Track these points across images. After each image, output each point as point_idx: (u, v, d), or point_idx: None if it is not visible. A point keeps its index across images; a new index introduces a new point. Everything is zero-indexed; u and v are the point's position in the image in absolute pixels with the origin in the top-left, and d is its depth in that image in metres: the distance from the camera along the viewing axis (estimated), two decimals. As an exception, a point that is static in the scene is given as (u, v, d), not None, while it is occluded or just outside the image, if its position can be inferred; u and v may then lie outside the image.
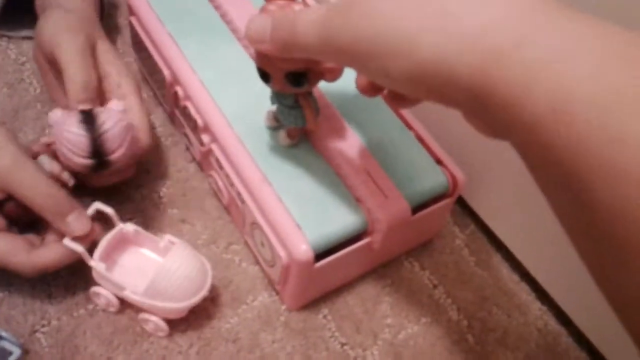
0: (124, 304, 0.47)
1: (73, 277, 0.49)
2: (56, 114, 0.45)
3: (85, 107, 0.46)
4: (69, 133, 0.44)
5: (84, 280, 0.48)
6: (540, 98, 0.23)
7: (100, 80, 0.49)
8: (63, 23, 0.49)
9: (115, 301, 0.46)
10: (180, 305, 0.44)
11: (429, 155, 0.49)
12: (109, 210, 0.46)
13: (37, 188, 0.43)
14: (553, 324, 0.52)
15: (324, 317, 0.49)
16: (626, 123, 0.21)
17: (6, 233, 0.44)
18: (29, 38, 0.63)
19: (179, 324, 0.47)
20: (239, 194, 0.47)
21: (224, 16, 0.55)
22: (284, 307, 0.49)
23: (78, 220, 0.44)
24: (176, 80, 0.52)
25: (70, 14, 0.51)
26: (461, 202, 0.57)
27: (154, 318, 0.45)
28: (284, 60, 0.37)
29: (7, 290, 0.47)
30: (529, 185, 0.48)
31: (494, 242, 0.55)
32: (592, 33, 0.23)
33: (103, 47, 0.50)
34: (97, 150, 0.44)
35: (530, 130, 0.23)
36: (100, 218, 0.47)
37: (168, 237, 0.47)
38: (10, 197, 0.44)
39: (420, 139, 0.50)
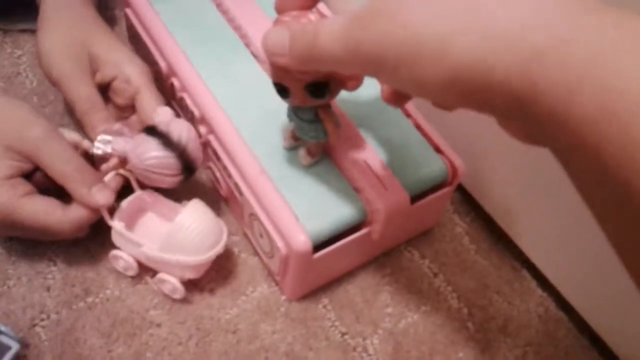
0: (142, 268, 0.48)
1: (71, 270, 0.48)
2: (120, 144, 0.46)
3: (109, 123, 0.49)
4: (154, 159, 0.44)
5: (81, 272, 0.48)
6: (589, 100, 0.21)
7: (108, 83, 0.50)
8: (57, 46, 0.50)
9: (133, 263, 0.47)
10: (196, 258, 0.45)
11: (428, 143, 0.48)
12: (129, 175, 0.48)
13: (66, 160, 0.44)
14: (554, 310, 0.51)
15: (324, 307, 0.49)
16: None
17: (39, 195, 0.45)
18: (25, 31, 0.62)
19: (178, 314, 0.47)
20: (237, 185, 0.47)
21: (219, 6, 0.55)
22: (283, 297, 0.49)
23: (102, 192, 0.45)
24: (172, 72, 0.52)
25: (58, 23, 0.51)
26: (461, 190, 0.57)
27: (171, 279, 0.46)
28: (303, 72, 0.36)
29: (6, 285, 0.47)
30: (529, 172, 0.48)
31: (494, 230, 0.55)
32: (637, 26, 0.22)
33: (99, 44, 0.51)
34: (187, 165, 0.45)
35: (576, 135, 0.22)
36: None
37: (185, 202, 0.47)
38: (38, 168, 0.45)
39: (419, 128, 0.49)
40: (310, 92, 0.37)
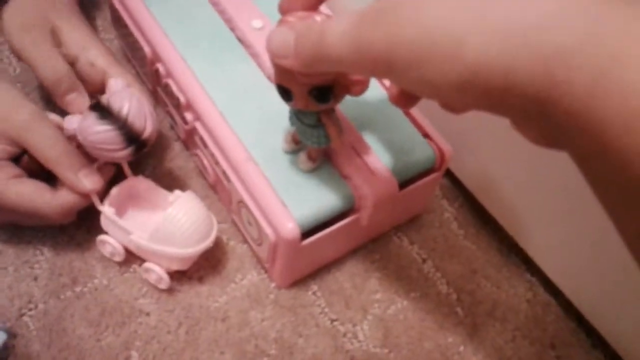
0: (129, 255, 0.48)
1: (58, 259, 0.48)
2: (71, 122, 0.45)
3: (73, 97, 0.48)
4: (96, 134, 0.43)
5: (68, 261, 0.48)
6: (612, 102, 0.20)
7: (72, 64, 0.49)
8: (17, 20, 0.49)
9: (120, 249, 0.47)
10: (185, 251, 0.44)
11: (416, 129, 0.48)
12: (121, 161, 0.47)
13: (53, 144, 0.44)
14: (542, 294, 0.52)
15: (314, 293, 0.49)
16: None
17: (27, 178, 0.45)
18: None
19: (167, 302, 0.47)
20: (224, 172, 0.47)
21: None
22: (273, 285, 0.49)
23: (89, 177, 0.45)
24: (157, 57, 0.51)
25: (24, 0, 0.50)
26: (450, 176, 0.57)
27: (157, 268, 0.46)
28: (308, 75, 0.35)
29: (-8, 274, 0.47)
30: (517, 157, 0.47)
31: (482, 215, 0.55)
32: None
33: (65, 24, 0.50)
34: (131, 136, 0.43)
35: (599, 139, 0.21)
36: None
37: (177, 192, 0.47)
38: (25, 152, 0.45)
39: (406, 113, 0.49)
40: (314, 96, 0.36)
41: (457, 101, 0.26)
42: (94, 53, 0.49)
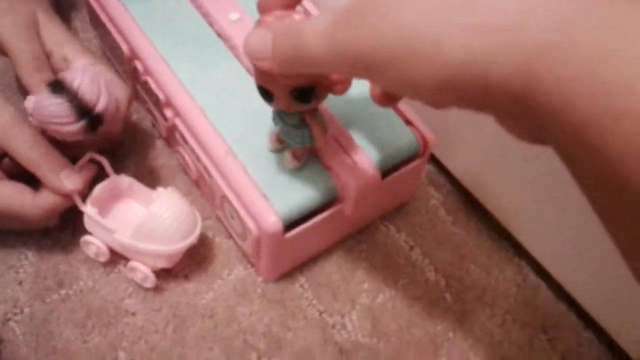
0: (114, 256, 0.47)
1: (43, 262, 0.48)
2: (30, 101, 0.44)
3: (38, 77, 0.46)
4: (47, 108, 0.42)
5: (53, 264, 0.48)
6: (592, 98, 0.20)
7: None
8: (4, 5, 0.48)
9: (105, 249, 0.47)
10: (169, 248, 0.44)
11: (398, 116, 0.48)
12: (103, 160, 0.47)
13: (33, 145, 0.43)
14: (532, 278, 0.51)
15: (301, 286, 0.49)
16: None
17: (8, 181, 0.45)
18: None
19: (153, 302, 0.47)
20: (205, 168, 0.46)
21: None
22: (260, 279, 0.49)
23: (70, 177, 0.44)
24: (134, 55, 0.51)
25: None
26: (436, 163, 0.56)
27: (142, 267, 0.46)
28: (288, 77, 0.34)
29: (-24, 280, 0.47)
30: (503, 143, 0.47)
31: (470, 201, 0.54)
32: None
33: (43, 20, 0.49)
34: (82, 109, 0.43)
35: (580, 135, 0.21)
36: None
37: (160, 189, 0.46)
38: (5, 154, 0.45)
39: (387, 100, 0.48)
40: (296, 97, 0.35)
41: (438, 100, 0.26)
42: (68, 49, 0.48)
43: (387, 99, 0.36)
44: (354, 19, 0.27)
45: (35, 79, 0.47)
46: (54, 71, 0.48)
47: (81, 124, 0.43)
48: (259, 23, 0.34)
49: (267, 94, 0.37)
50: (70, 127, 0.43)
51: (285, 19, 0.33)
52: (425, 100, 0.26)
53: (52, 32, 0.49)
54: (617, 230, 0.23)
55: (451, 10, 0.23)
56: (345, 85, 0.37)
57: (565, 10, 0.21)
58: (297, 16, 0.34)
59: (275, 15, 0.34)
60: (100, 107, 0.43)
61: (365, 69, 0.27)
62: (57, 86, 0.43)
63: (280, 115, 0.40)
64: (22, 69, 0.47)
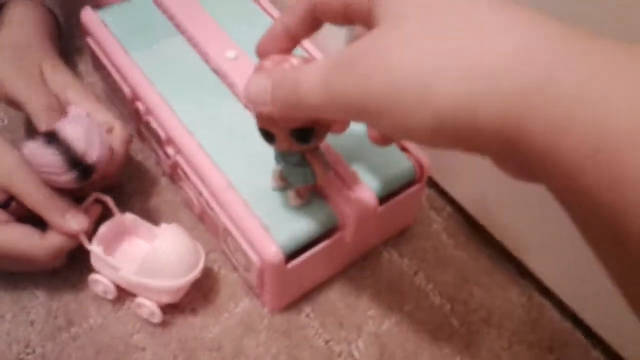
0: (122, 293, 0.48)
1: (54, 302, 0.49)
2: (27, 147, 0.45)
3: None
4: (40, 158, 0.44)
5: (64, 303, 0.49)
6: (578, 139, 0.21)
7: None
8: (4, 68, 0.50)
9: (112, 287, 0.47)
10: (173, 283, 0.45)
11: (394, 143, 0.48)
12: (107, 199, 0.48)
13: (38, 189, 0.45)
14: (537, 297, 0.51)
15: (307, 315, 0.49)
16: None
17: (16, 223, 0.46)
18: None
19: (161, 337, 0.47)
20: (207, 202, 0.47)
21: (178, 27, 0.55)
22: (266, 310, 0.49)
23: (76, 218, 0.45)
24: (136, 97, 0.52)
25: (10, 51, 0.51)
26: (436, 187, 0.57)
27: (148, 303, 0.46)
28: (288, 120, 0.35)
29: (-11, 322, 0.48)
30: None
31: (471, 223, 0.55)
32: (623, 59, 0.21)
33: (46, 68, 0.51)
34: (74, 161, 0.44)
35: (567, 175, 0.21)
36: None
37: (164, 225, 0.47)
38: (13, 198, 0.46)
39: (383, 129, 0.49)
40: (296, 138, 0.37)
41: (432, 143, 0.27)
42: (73, 93, 0.50)
43: (384, 139, 0.38)
44: (346, 68, 0.28)
45: (45, 124, 0.48)
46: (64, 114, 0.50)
47: (73, 175, 0.44)
48: (258, 69, 0.36)
49: (268, 136, 0.38)
50: (62, 177, 0.44)
51: (284, 64, 0.35)
52: (421, 143, 0.27)
53: (57, 77, 0.51)
54: (615, 272, 0.23)
55: (438, 59, 0.24)
56: (343, 125, 0.38)
57: (545, 54, 0.22)
58: (294, 60, 0.35)
59: (273, 60, 0.35)
60: (92, 158, 0.44)
61: (360, 116, 0.28)
62: (51, 136, 0.44)
63: (282, 156, 0.41)
64: (38, 119, 0.48)
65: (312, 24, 0.35)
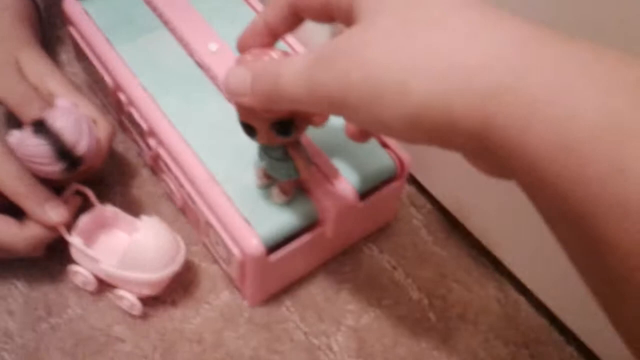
0: (102, 285, 0.48)
1: (33, 292, 0.49)
2: (14, 136, 0.45)
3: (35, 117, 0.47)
4: (29, 148, 0.44)
5: (43, 293, 0.49)
6: (543, 134, 0.22)
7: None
8: None
9: (92, 279, 0.47)
10: (152, 276, 0.45)
11: (375, 139, 0.49)
12: (87, 191, 0.48)
13: (18, 178, 0.44)
14: (512, 294, 0.52)
15: (287, 309, 0.50)
16: (630, 155, 0.20)
17: None
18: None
19: (141, 328, 0.47)
20: (189, 195, 0.48)
21: (161, 18, 0.55)
22: (246, 303, 0.50)
23: (55, 209, 0.45)
24: (118, 87, 0.52)
25: None
26: (416, 183, 0.58)
27: (128, 295, 0.46)
28: (268, 111, 0.35)
29: (-34, 312, 0.48)
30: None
31: (450, 220, 0.55)
32: (592, 59, 0.22)
33: (26, 58, 0.50)
34: (62, 151, 0.44)
35: (534, 170, 0.22)
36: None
37: (144, 217, 0.47)
38: None
39: (365, 125, 0.50)
40: (276, 130, 0.37)
41: (409, 138, 0.27)
42: (53, 83, 0.50)
43: (361, 135, 0.38)
44: (326, 62, 0.28)
45: (26, 115, 0.48)
46: (44, 103, 0.49)
47: (61, 165, 0.44)
48: (238, 61, 0.36)
49: (249, 129, 0.38)
50: (50, 167, 0.44)
51: (264, 57, 0.35)
52: (398, 138, 0.28)
53: (37, 67, 0.50)
54: (584, 268, 0.24)
55: (414, 55, 0.25)
56: (323, 117, 0.39)
57: (518, 55, 0.23)
58: (274, 53, 0.35)
59: (253, 54, 0.35)
60: (80, 150, 0.44)
61: (340, 109, 0.29)
62: (40, 126, 0.44)
63: (265, 150, 0.42)
64: (14, 107, 0.48)
65: (293, 20, 0.35)
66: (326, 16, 0.33)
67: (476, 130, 0.24)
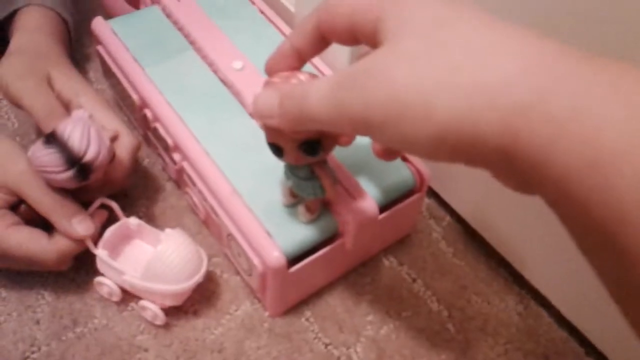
0: (126, 295, 0.49)
1: (59, 302, 0.50)
2: (30, 149, 0.47)
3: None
4: (40, 158, 0.45)
5: (69, 303, 0.50)
6: (570, 152, 0.22)
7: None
8: (12, 71, 0.52)
9: (117, 290, 0.49)
10: (175, 287, 0.46)
11: (395, 153, 0.50)
12: (113, 204, 0.49)
13: (46, 193, 0.46)
14: (533, 306, 0.52)
15: (307, 319, 0.50)
16: None
17: (25, 225, 0.48)
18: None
19: (164, 338, 0.48)
20: (212, 208, 0.49)
21: (187, 37, 0.57)
22: (266, 313, 0.50)
23: (82, 223, 0.47)
24: (144, 104, 0.54)
25: (20, 56, 0.53)
26: (436, 196, 0.58)
27: (152, 306, 0.47)
28: (295, 132, 0.36)
29: (-4, 320, 0.49)
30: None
31: (469, 233, 0.56)
32: (616, 76, 0.22)
33: (58, 75, 0.52)
34: (71, 158, 0.44)
35: (561, 187, 0.22)
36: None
37: (168, 230, 0.48)
38: (22, 201, 0.47)
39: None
40: (304, 150, 0.37)
41: (434, 156, 0.28)
42: (84, 98, 0.51)
43: (388, 154, 0.39)
44: (352, 84, 0.29)
45: (49, 129, 0.50)
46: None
47: (70, 172, 0.45)
48: (266, 84, 0.37)
49: (277, 150, 0.39)
50: (61, 175, 0.45)
51: (292, 80, 0.36)
52: (423, 156, 0.29)
53: (69, 83, 0.52)
54: (611, 283, 0.24)
55: (438, 75, 0.25)
56: (350, 137, 0.39)
57: (545, 74, 0.23)
58: (302, 76, 0.36)
59: (281, 77, 0.36)
60: (88, 156, 0.45)
61: (365, 129, 0.29)
62: (51, 137, 0.45)
63: (291, 170, 0.42)
64: (40, 120, 0.50)
65: (319, 43, 0.36)
66: (352, 39, 0.33)
67: (501, 147, 0.24)
